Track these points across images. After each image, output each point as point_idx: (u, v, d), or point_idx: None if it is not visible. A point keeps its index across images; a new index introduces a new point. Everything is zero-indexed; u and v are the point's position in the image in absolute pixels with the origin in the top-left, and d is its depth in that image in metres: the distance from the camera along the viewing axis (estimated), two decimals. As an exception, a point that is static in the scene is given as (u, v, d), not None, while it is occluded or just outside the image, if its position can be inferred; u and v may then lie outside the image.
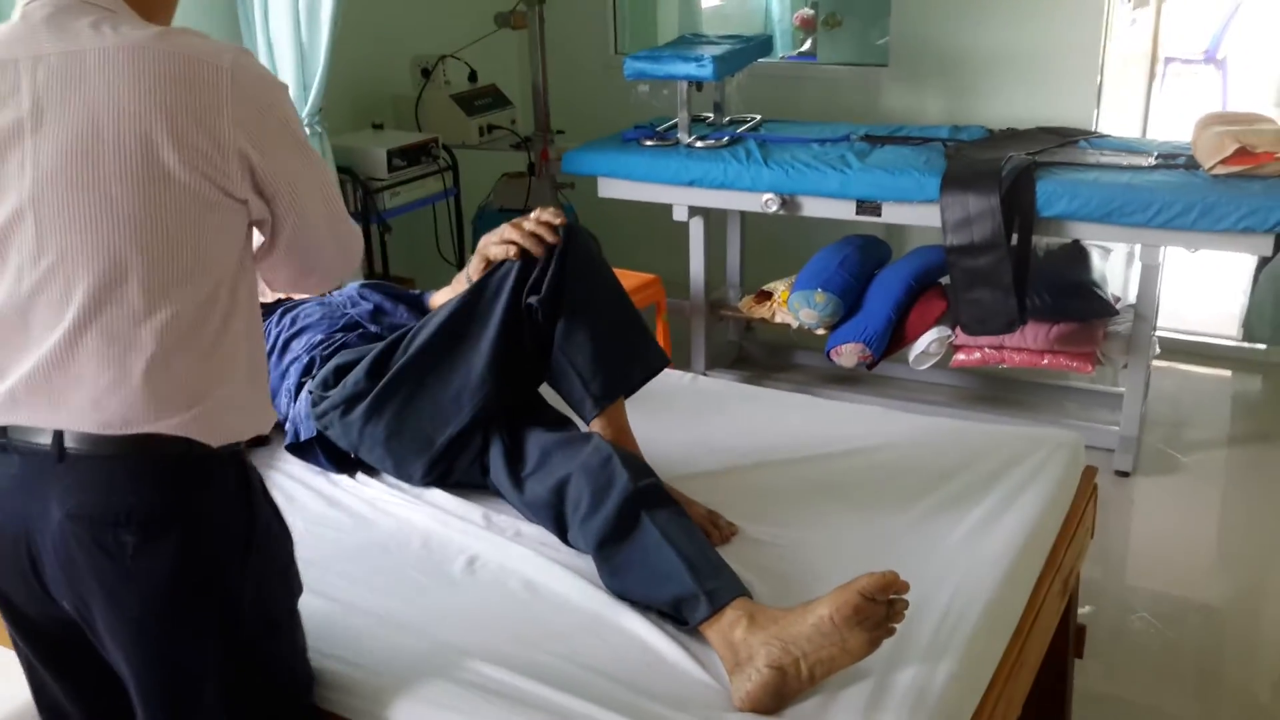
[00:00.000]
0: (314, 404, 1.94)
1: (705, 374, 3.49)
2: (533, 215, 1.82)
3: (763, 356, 3.97)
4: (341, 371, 1.92)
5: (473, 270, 1.88)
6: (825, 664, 1.36)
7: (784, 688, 1.35)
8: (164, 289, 1.20)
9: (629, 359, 1.85)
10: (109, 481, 1.22)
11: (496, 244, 1.82)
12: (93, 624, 1.27)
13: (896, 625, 1.39)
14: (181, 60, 1.19)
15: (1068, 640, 2.10)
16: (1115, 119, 3.97)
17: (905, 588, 1.38)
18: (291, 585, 1.41)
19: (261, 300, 2.07)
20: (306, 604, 1.59)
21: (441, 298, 1.95)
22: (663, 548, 1.54)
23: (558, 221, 1.81)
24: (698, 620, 1.47)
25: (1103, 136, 3.42)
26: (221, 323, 1.26)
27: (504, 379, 1.82)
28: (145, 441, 1.22)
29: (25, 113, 1.18)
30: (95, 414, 1.21)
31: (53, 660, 1.38)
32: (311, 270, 1.41)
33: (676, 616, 1.51)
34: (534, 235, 1.79)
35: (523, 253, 1.79)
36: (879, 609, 1.36)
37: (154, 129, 1.17)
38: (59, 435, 1.21)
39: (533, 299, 1.78)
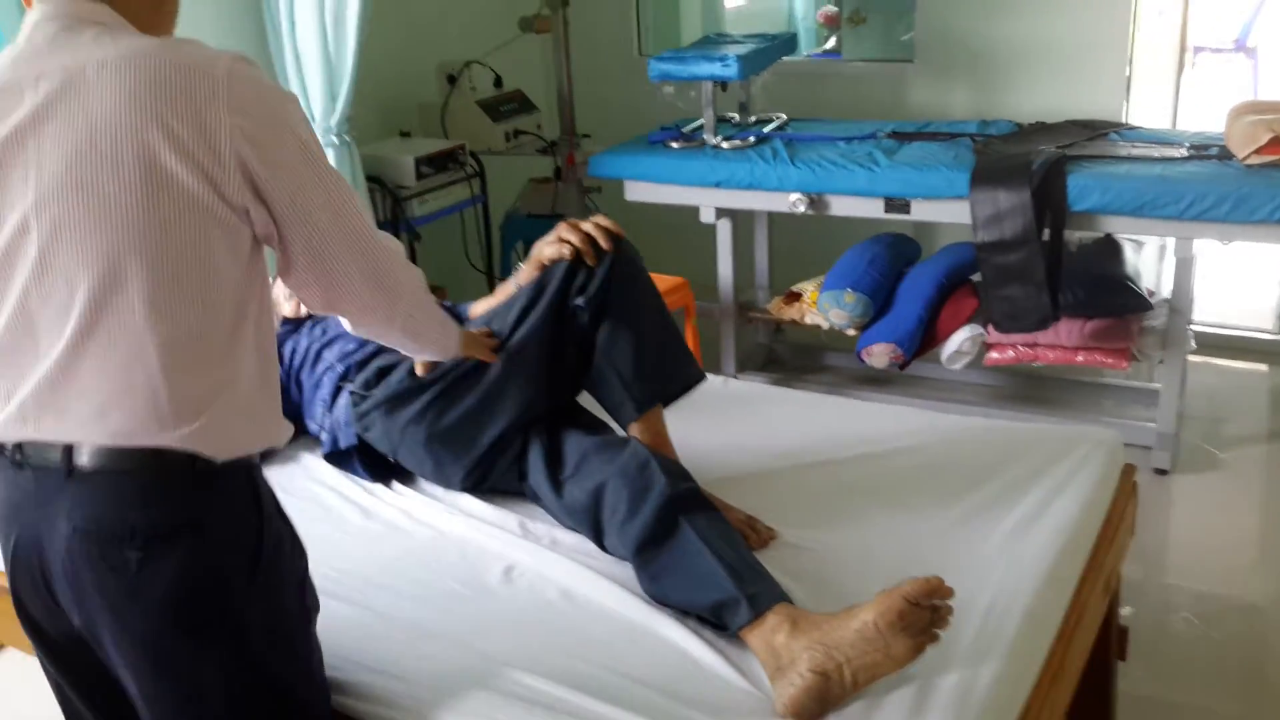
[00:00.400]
0: (355, 404, 1.95)
1: (736, 377, 3.49)
2: (591, 219, 1.85)
3: (793, 358, 3.95)
4: (384, 372, 1.94)
5: (523, 277, 1.89)
6: (869, 670, 1.35)
7: (827, 693, 1.34)
8: (165, 298, 1.20)
9: (670, 368, 1.87)
10: (114, 497, 1.22)
11: (550, 244, 1.85)
12: (101, 640, 1.28)
13: (941, 631, 1.38)
14: (177, 68, 1.20)
15: (1110, 642, 2.08)
16: (1145, 110, 3.92)
17: (950, 593, 1.37)
18: (305, 603, 1.40)
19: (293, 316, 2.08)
20: (344, 614, 1.61)
21: (483, 306, 1.96)
22: (702, 552, 1.54)
23: (614, 229, 1.84)
24: (738, 625, 1.46)
25: (1133, 129, 3.38)
26: (227, 335, 1.26)
27: (547, 381, 1.84)
28: (150, 455, 1.22)
29: (28, 127, 1.19)
30: (101, 425, 1.21)
31: (70, 673, 1.39)
32: (339, 295, 1.38)
33: (716, 622, 1.50)
34: (589, 238, 1.82)
35: (575, 253, 1.81)
36: (923, 614, 1.35)
37: (152, 137, 1.17)
38: (69, 450, 1.22)
39: (580, 300, 1.81)
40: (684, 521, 1.58)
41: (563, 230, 1.84)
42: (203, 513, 1.26)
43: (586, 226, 1.83)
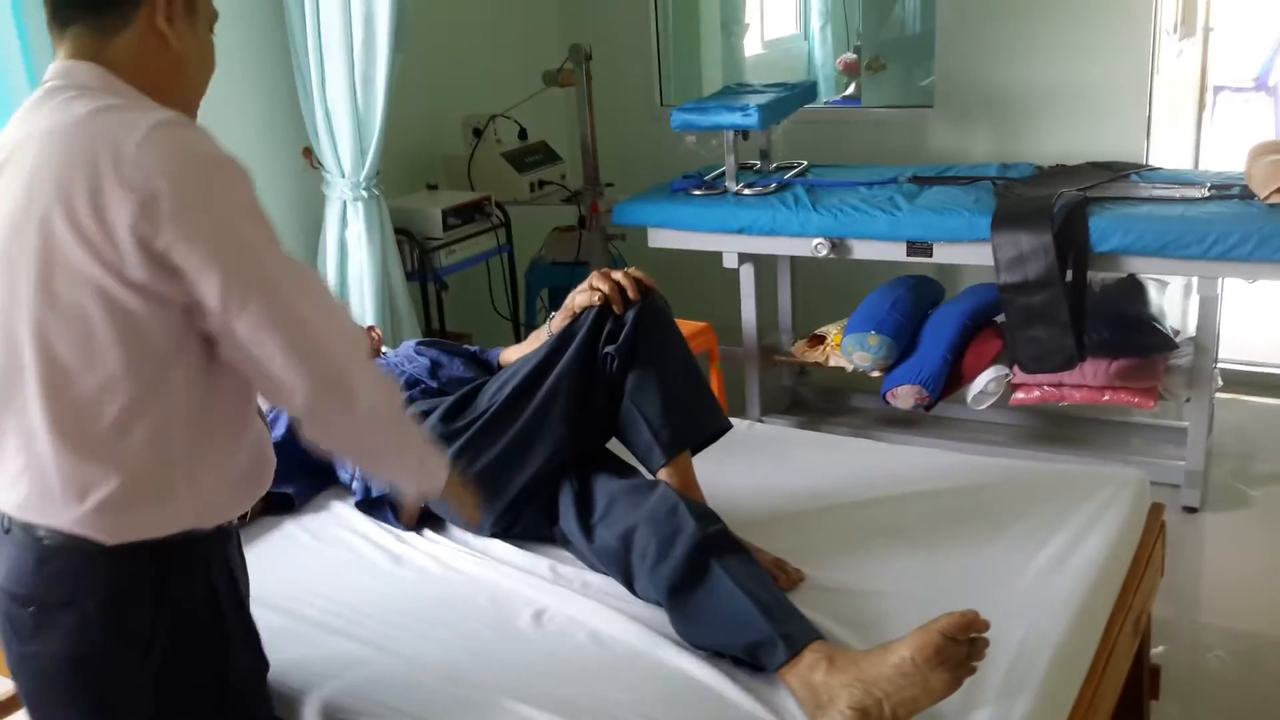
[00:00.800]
0: None
1: (760, 420, 3.50)
2: (622, 270, 1.90)
3: (817, 401, 3.97)
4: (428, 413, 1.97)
5: (556, 324, 1.95)
6: (907, 704, 1.37)
7: None
8: (53, 379, 1.18)
9: (697, 415, 1.91)
10: (21, 559, 1.24)
11: (582, 292, 1.90)
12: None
13: (977, 664, 1.39)
14: (93, 137, 1.15)
15: (1143, 681, 2.06)
16: (1166, 151, 3.94)
17: (986, 626, 1.39)
18: (225, 701, 1.35)
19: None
20: (375, 659, 1.62)
21: (515, 353, 2.01)
22: (735, 593, 1.55)
23: (644, 280, 1.89)
24: (775, 665, 1.47)
25: (1154, 169, 3.40)
26: (124, 419, 1.19)
27: (576, 427, 1.87)
28: (49, 528, 1.22)
29: None
30: (12, 492, 1.24)
31: None
32: (271, 390, 1.25)
33: (752, 662, 1.51)
34: (619, 287, 1.86)
35: (605, 300, 1.86)
36: (960, 648, 1.37)
37: (54, 213, 1.14)
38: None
39: (609, 348, 1.85)
40: (715, 564, 1.59)
41: (594, 279, 1.89)
42: (87, 594, 1.24)
43: (617, 275, 1.88)
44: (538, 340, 1.97)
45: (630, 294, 1.87)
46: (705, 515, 1.70)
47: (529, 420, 1.85)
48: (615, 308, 1.87)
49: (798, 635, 1.48)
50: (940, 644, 1.35)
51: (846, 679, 1.39)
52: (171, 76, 1.29)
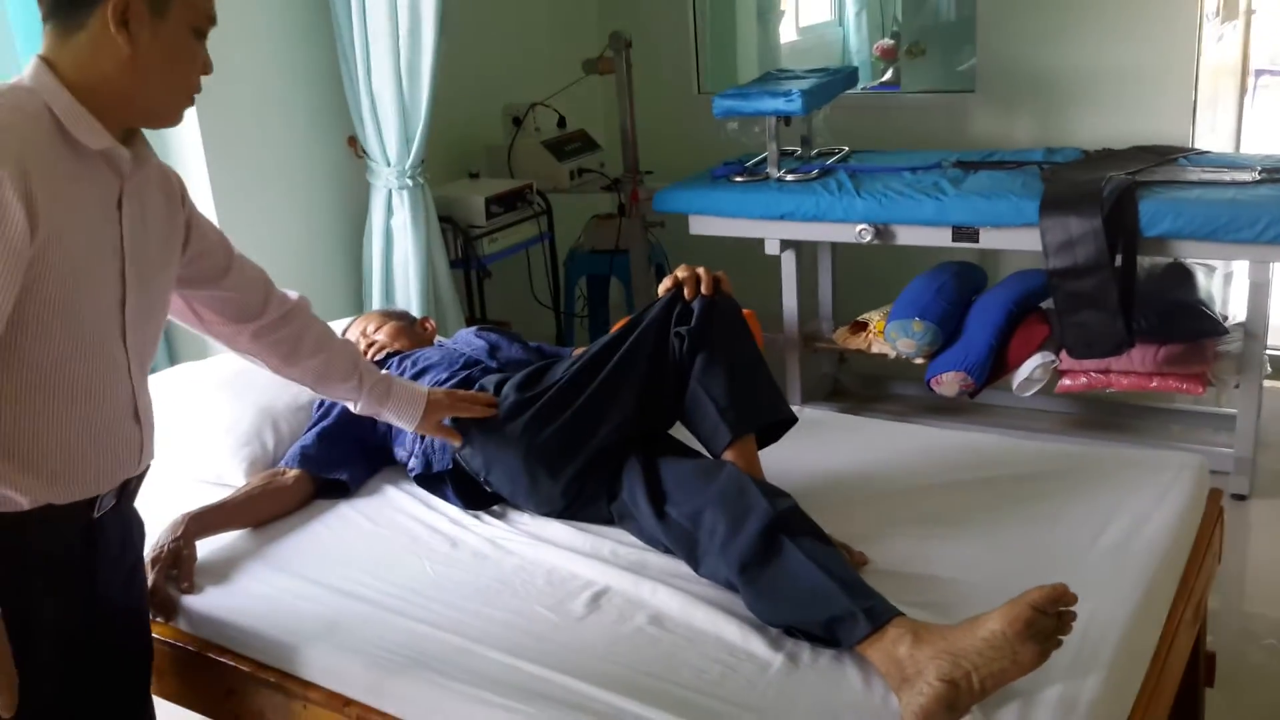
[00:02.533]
0: (453, 422, 2.00)
1: (802, 407, 3.49)
2: (705, 268, 1.97)
3: (859, 388, 3.96)
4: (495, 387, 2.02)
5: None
6: (996, 677, 1.38)
7: (956, 701, 1.36)
8: None
9: (763, 401, 1.94)
10: None
11: (665, 280, 1.98)
12: None
13: (1064, 638, 1.40)
14: None
15: (1199, 668, 2.05)
16: (1208, 134, 3.90)
17: (1074, 600, 1.40)
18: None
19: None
20: (436, 639, 1.64)
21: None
22: (811, 569, 1.56)
23: (721, 279, 1.96)
24: (856, 639, 1.48)
25: (1202, 153, 3.36)
26: None
27: (643, 403, 1.91)
28: None
29: None
30: None
31: None
32: None
33: (827, 639, 1.52)
34: (696, 279, 1.93)
35: (679, 288, 1.93)
36: (1050, 621, 1.38)
37: None
38: None
39: (681, 329, 1.89)
40: (788, 541, 1.60)
41: (678, 269, 1.96)
42: None
43: (699, 270, 1.95)
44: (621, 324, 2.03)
45: (704, 287, 1.93)
46: (775, 493, 1.70)
47: (599, 389, 1.90)
48: (687, 291, 1.92)
49: (880, 610, 1.49)
50: (1031, 617, 1.37)
51: (934, 651, 1.40)
52: (123, 78, 1.34)
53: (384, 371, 1.98)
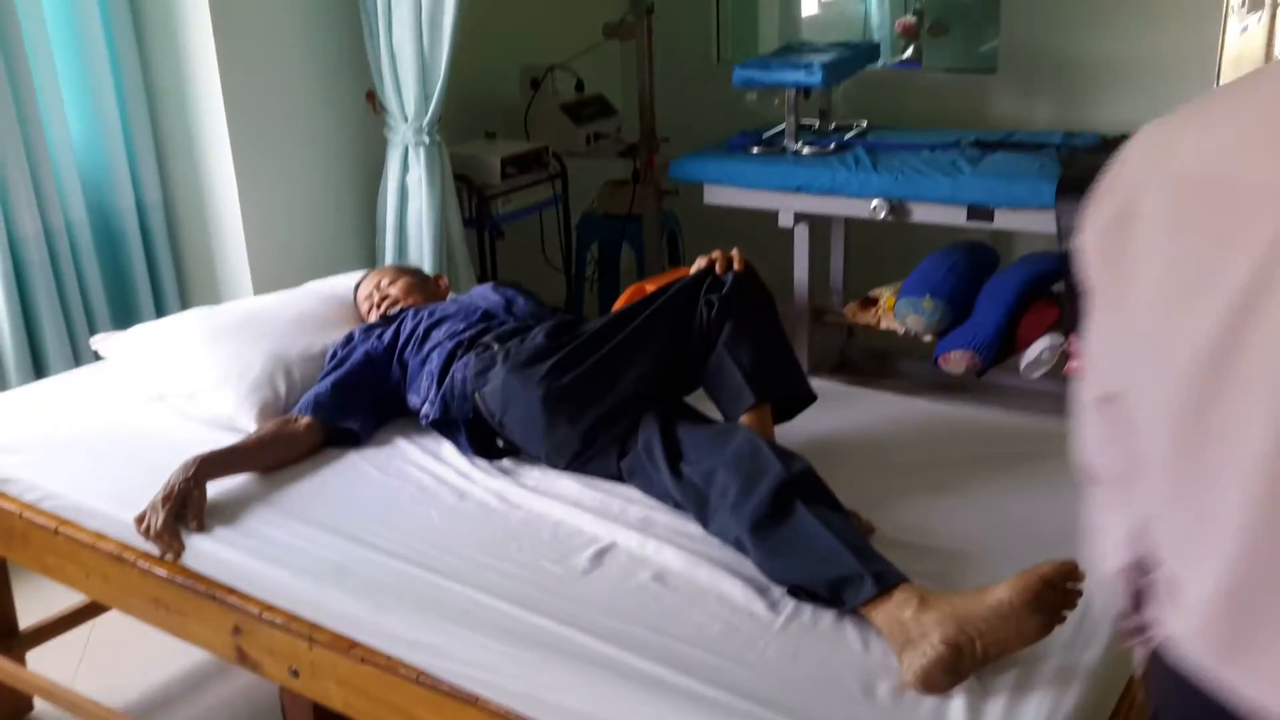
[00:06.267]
0: (480, 353, 2.06)
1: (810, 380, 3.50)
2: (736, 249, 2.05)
3: (865, 363, 3.96)
4: (503, 338, 2.09)
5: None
6: (999, 645, 1.39)
7: (959, 665, 1.38)
8: None
9: (787, 373, 2.00)
10: None
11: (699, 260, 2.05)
12: None
13: (1068, 613, 1.42)
14: None
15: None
16: (1229, 126, 3.88)
17: (1084, 577, 1.42)
18: None
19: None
20: (442, 587, 1.66)
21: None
22: (820, 531, 1.57)
23: (751, 265, 2.03)
24: (860, 600, 1.49)
25: (1220, 143, 3.34)
26: None
27: (667, 360, 1.95)
28: None
29: None
30: None
31: None
32: None
33: (831, 599, 1.53)
34: (729, 258, 2.01)
35: (710, 266, 2.02)
36: (1057, 596, 1.40)
37: None
38: None
39: (712, 296, 1.95)
40: (799, 503, 1.62)
41: (712, 252, 2.04)
42: None
43: (732, 252, 2.03)
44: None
45: (735, 264, 2.00)
46: (789, 455, 1.72)
47: (623, 342, 1.95)
48: (719, 266, 1.99)
49: (888, 574, 1.51)
50: (1040, 589, 1.39)
51: (939, 616, 1.42)
52: None
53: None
